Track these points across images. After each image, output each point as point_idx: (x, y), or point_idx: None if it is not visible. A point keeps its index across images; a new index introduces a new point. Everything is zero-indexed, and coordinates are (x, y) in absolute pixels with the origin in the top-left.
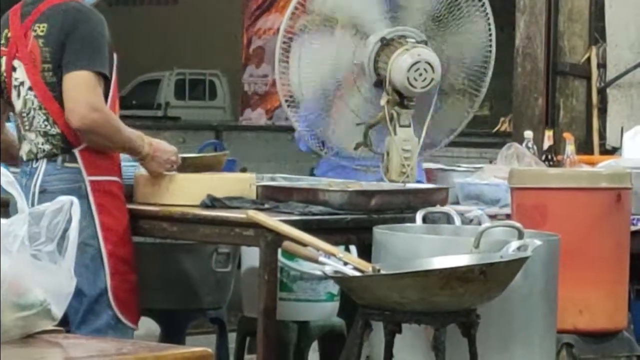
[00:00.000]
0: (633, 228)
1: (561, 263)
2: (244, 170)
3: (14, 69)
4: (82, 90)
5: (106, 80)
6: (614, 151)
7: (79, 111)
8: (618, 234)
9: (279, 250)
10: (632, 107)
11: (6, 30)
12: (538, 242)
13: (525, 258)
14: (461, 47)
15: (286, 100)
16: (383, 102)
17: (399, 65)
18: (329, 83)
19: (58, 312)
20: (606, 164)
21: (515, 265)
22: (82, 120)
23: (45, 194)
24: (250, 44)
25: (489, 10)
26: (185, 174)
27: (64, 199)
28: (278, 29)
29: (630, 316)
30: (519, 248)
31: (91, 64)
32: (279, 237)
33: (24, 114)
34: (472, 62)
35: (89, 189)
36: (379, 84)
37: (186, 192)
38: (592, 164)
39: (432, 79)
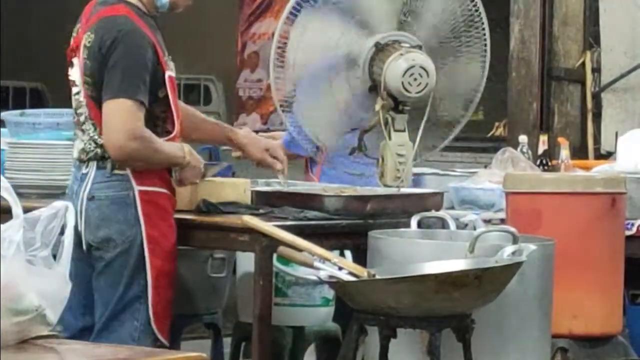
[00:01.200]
0: (628, 232)
1: (556, 267)
2: (233, 175)
3: (72, 65)
4: (118, 119)
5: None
6: (608, 156)
7: (115, 142)
8: (613, 239)
9: (274, 256)
10: (626, 111)
11: (78, 24)
12: (533, 247)
13: (520, 263)
14: (457, 74)
15: (281, 105)
16: (378, 106)
17: (393, 70)
18: (322, 67)
19: (53, 317)
20: (601, 169)
21: (510, 270)
22: (120, 150)
23: (94, 201)
24: (245, 49)
25: (488, 55)
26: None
27: (58, 204)
28: (273, 34)
29: (625, 321)
30: (513, 253)
31: (127, 91)
32: (274, 242)
33: (78, 115)
34: (468, 70)
35: (137, 198)
36: (374, 88)
37: (181, 197)
38: (587, 168)
39: (427, 84)
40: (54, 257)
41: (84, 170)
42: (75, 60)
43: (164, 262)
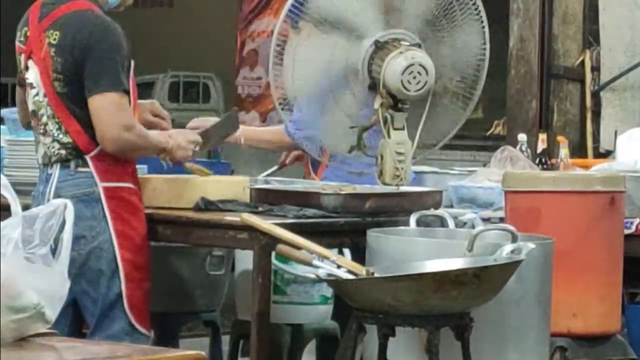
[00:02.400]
0: (627, 231)
1: (555, 266)
2: (232, 172)
3: (27, 68)
4: (111, 113)
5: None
6: (607, 154)
7: (111, 135)
8: (612, 237)
9: (273, 253)
10: (625, 110)
11: (25, 28)
12: (532, 246)
13: (519, 261)
14: (455, 51)
15: (280, 103)
16: (377, 105)
17: (393, 68)
18: (323, 86)
19: (52, 315)
20: (600, 167)
21: (508, 268)
22: (116, 143)
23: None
24: (244, 47)
25: (483, 15)
26: (179, 177)
27: (56, 202)
28: (272, 32)
29: (623, 319)
30: (512, 251)
31: (115, 84)
32: (272, 240)
33: (39, 118)
34: (466, 66)
35: (102, 195)
36: (373, 86)
37: (180, 195)
38: (586, 167)
39: (426, 82)
40: (53, 254)
41: (49, 171)
42: (31, 63)
43: (135, 255)
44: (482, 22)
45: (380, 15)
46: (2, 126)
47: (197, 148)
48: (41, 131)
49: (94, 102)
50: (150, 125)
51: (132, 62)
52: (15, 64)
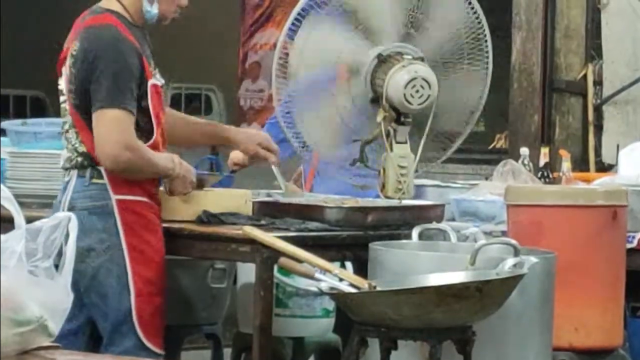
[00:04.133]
0: (629, 245)
1: (557, 280)
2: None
3: (61, 74)
4: (109, 130)
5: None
6: (609, 168)
7: (110, 152)
8: (614, 251)
9: (275, 267)
10: (628, 124)
11: (70, 35)
12: (534, 260)
13: (521, 275)
14: (447, 30)
15: (282, 115)
16: (379, 118)
17: (395, 82)
18: (326, 75)
19: (54, 328)
20: (602, 181)
21: (511, 282)
22: (114, 161)
23: (74, 212)
24: (247, 59)
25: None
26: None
27: (60, 215)
28: (274, 44)
29: (626, 334)
30: (514, 265)
31: (115, 100)
32: (274, 253)
33: (64, 124)
34: (467, 42)
35: (115, 207)
36: (376, 100)
37: (182, 208)
38: (588, 181)
39: (429, 96)
40: (56, 267)
41: (66, 179)
42: (63, 70)
43: (148, 270)
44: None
45: (403, 26)
46: (4, 138)
47: (189, 191)
48: (65, 137)
49: (95, 118)
50: (256, 156)
51: (158, 76)
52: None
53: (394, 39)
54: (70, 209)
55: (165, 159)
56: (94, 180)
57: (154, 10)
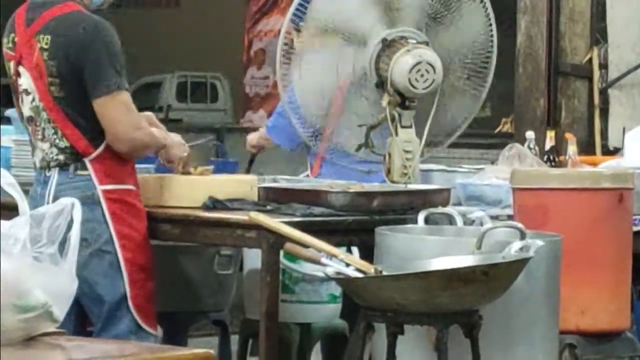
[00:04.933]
0: (635, 228)
1: (563, 264)
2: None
3: (19, 74)
4: (122, 113)
5: None
6: (615, 152)
7: (124, 136)
8: (620, 235)
9: (281, 252)
10: (634, 107)
11: (12, 34)
12: (540, 243)
13: (527, 259)
14: (461, 42)
15: (289, 102)
16: (384, 103)
17: (400, 66)
18: (331, 91)
19: (59, 314)
20: (608, 165)
21: (517, 266)
22: (130, 143)
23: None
24: (252, 46)
25: (488, 5)
26: (187, 176)
27: (64, 201)
28: (279, 31)
29: (633, 317)
30: (521, 249)
31: (118, 84)
32: (280, 239)
33: (36, 123)
34: (474, 60)
35: (101, 197)
36: (381, 85)
37: (187, 194)
38: (594, 164)
39: (434, 80)
40: (60, 254)
41: (47, 174)
42: (22, 69)
43: (137, 256)
44: (487, 12)
45: (380, 16)
46: (9, 126)
47: (186, 153)
48: (39, 137)
49: (102, 104)
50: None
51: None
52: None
53: (379, 29)
54: (56, 200)
55: (158, 132)
56: (79, 173)
57: None
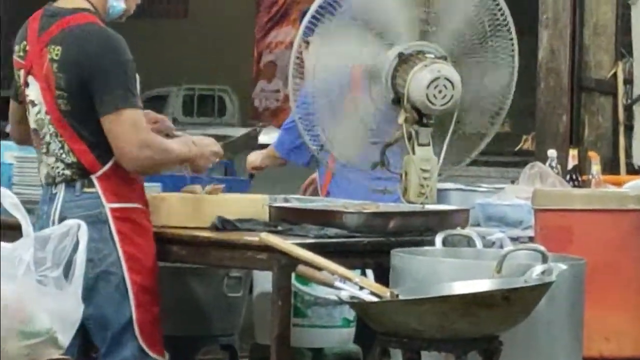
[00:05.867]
0: None
1: (587, 288)
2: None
3: (27, 84)
4: (127, 131)
5: None
6: None
7: (130, 155)
8: None
9: (293, 275)
10: None
11: (24, 42)
12: (563, 267)
13: (550, 283)
14: (484, 69)
15: (300, 117)
16: (401, 119)
17: (417, 82)
18: (342, 79)
19: (65, 340)
20: (633, 185)
21: (539, 290)
22: (136, 162)
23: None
24: (261, 58)
25: (514, 38)
26: (196, 195)
27: (70, 222)
28: (290, 43)
29: None
30: (543, 272)
31: (129, 101)
32: (292, 261)
33: (41, 137)
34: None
35: (109, 216)
36: (397, 101)
37: (196, 214)
38: (619, 184)
39: (452, 96)
40: (66, 277)
41: (53, 191)
42: (31, 79)
43: (145, 279)
44: (512, 43)
45: (419, 23)
46: (8, 142)
47: (219, 157)
48: (44, 150)
49: (109, 121)
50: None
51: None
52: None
53: (412, 37)
54: (62, 219)
55: (179, 143)
56: (86, 190)
57: (120, 5)
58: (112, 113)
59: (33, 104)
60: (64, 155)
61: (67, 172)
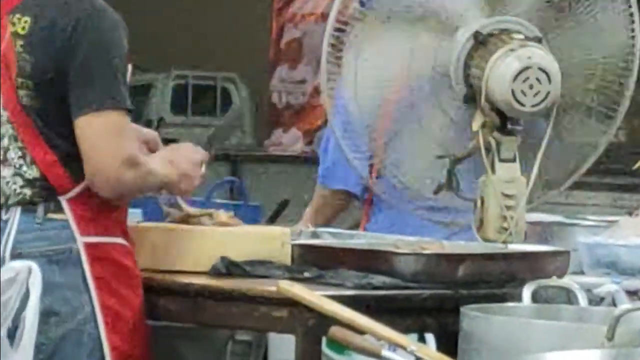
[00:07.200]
0: None
1: None
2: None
3: None
4: (109, 142)
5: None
6: None
7: (108, 173)
8: None
9: (324, 340)
10: None
11: None
12: None
13: None
14: (590, 45)
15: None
16: (476, 125)
17: (500, 73)
18: (399, 100)
19: None
20: None
21: None
22: (113, 185)
23: (22, 260)
24: (282, 36)
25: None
26: (191, 227)
27: (17, 265)
28: (322, 14)
29: None
30: None
31: (114, 100)
32: (323, 321)
33: None
34: (605, 70)
35: (83, 254)
36: (471, 99)
37: (191, 253)
38: None
39: (548, 93)
40: (12, 339)
41: (3, 217)
42: None
43: (128, 343)
44: (629, 6)
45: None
46: None
47: (204, 169)
48: (2, 159)
49: (85, 124)
50: None
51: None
52: None
53: (477, 16)
54: (15, 257)
55: (162, 164)
56: (51, 216)
57: None
58: (90, 113)
59: None
60: (24, 168)
61: (27, 190)
